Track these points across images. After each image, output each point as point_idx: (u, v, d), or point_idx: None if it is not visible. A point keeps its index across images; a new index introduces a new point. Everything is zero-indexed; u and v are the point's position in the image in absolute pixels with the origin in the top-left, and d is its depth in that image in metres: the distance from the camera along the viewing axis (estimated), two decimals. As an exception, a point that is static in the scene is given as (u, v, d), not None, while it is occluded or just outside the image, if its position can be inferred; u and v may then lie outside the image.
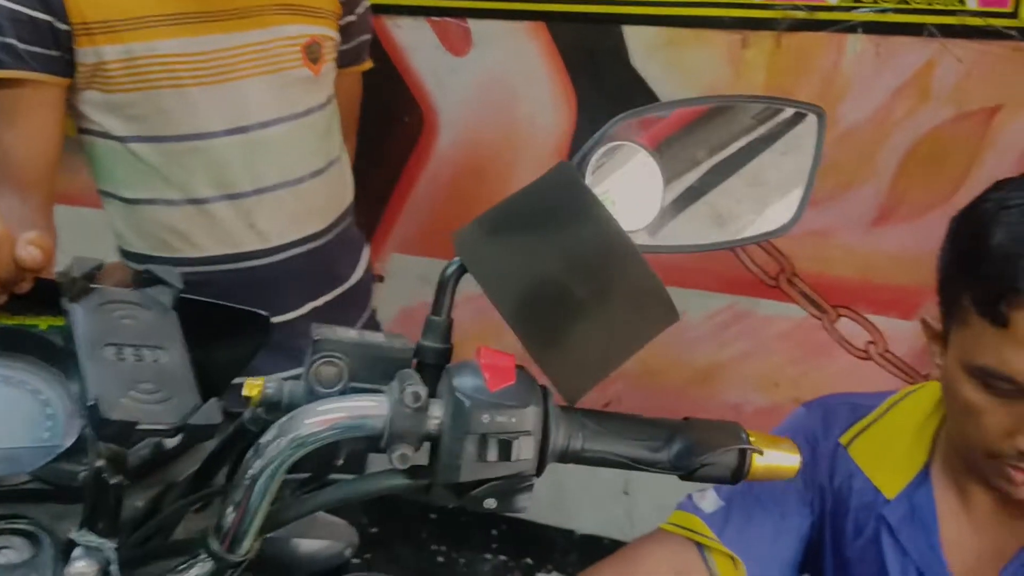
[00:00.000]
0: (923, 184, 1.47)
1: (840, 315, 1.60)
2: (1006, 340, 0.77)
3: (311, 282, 1.30)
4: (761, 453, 0.65)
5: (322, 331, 0.60)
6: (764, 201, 0.69)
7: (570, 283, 0.58)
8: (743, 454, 0.66)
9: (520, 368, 0.60)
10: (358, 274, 1.38)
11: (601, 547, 1.97)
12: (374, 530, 2.15)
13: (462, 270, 0.60)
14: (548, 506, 1.96)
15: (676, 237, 0.68)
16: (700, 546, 0.98)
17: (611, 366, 0.62)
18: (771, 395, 1.69)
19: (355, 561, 0.83)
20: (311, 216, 1.28)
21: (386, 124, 1.72)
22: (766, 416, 1.69)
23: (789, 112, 0.69)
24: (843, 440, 0.98)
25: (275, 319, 1.27)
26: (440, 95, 1.70)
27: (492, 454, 0.55)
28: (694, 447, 0.64)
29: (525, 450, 0.58)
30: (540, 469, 0.60)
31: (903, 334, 1.57)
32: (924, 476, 0.95)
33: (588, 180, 0.65)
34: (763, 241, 0.70)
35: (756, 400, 1.70)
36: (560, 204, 0.59)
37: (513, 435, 0.55)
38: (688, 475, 0.66)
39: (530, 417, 0.57)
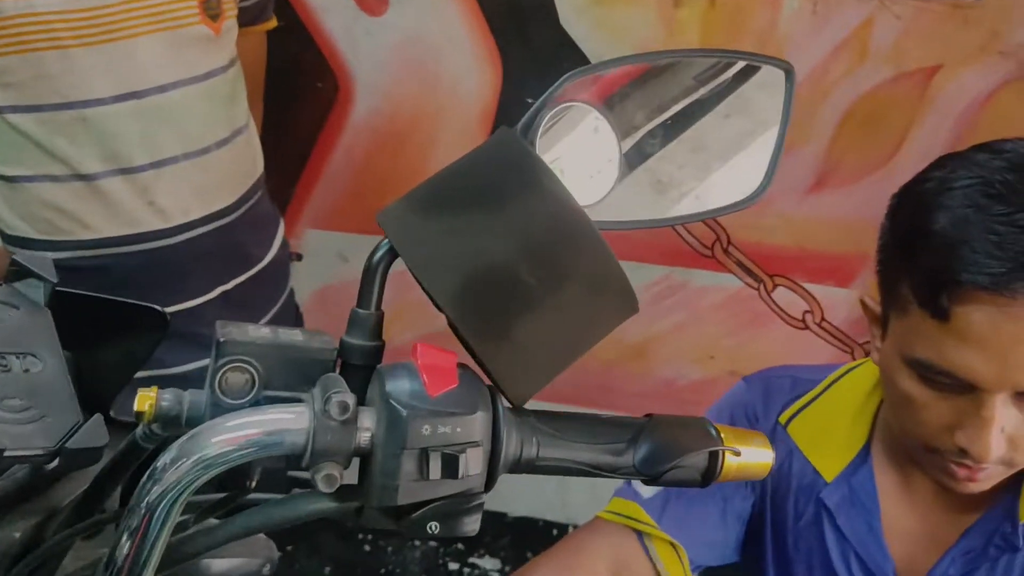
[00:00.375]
0: (861, 147, 1.44)
1: (776, 284, 1.57)
2: (947, 334, 0.72)
3: (220, 263, 1.21)
4: (738, 454, 0.59)
5: (228, 331, 0.50)
6: (731, 168, 0.62)
7: (518, 268, 0.50)
8: (715, 455, 0.60)
9: (463, 368, 0.52)
10: (272, 253, 1.29)
11: (535, 529, 1.93)
12: (296, 519, 2.07)
13: (392, 254, 0.52)
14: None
15: (635, 211, 0.61)
16: (640, 534, 0.95)
17: (564, 362, 0.55)
18: (707, 368, 1.66)
19: (270, 577, 0.75)
20: (217, 191, 1.18)
21: (297, 90, 1.62)
22: (701, 390, 1.66)
23: (755, 68, 0.63)
24: (782, 419, 0.95)
25: (181, 305, 1.19)
26: (355, 58, 1.60)
27: (434, 471, 0.48)
28: (661, 449, 0.58)
29: (473, 464, 0.50)
30: (490, 484, 0.53)
31: (840, 303, 1.55)
32: (864, 458, 0.92)
33: (536, 147, 0.57)
34: (731, 212, 0.63)
35: (691, 373, 1.67)
36: (504, 176, 0.52)
37: (459, 447, 0.48)
38: (655, 480, 0.60)
39: (478, 425, 0.49)
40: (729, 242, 1.55)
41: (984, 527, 0.87)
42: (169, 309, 0.72)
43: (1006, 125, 1.38)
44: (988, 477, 0.79)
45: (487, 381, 0.53)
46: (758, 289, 1.57)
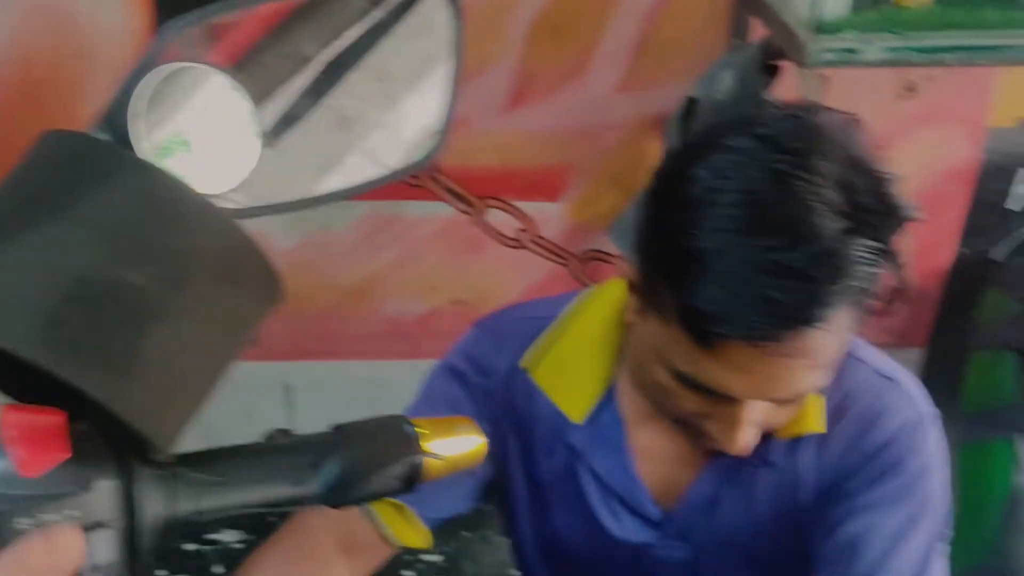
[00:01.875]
0: (553, 57, 1.41)
1: (488, 206, 1.53)
2: (708, 358, 0.71)
3: None
4: (441, 459, 0.52)
5: None
6: (398, 124, 0.53)
7: (117, 271, 0.39)
8: (415, 463, 0.52)
9: (77, 426, 0.40)
10: None
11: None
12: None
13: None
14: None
15: (289, 190, 0.51)
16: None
17: (210, 379, 0.44)
18: (430, 300, 1.61)
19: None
20: None
21: None
22: (428, 323, 1.61)
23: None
24: (524, 364, 0.92)
25: None
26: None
27: (46, 575, 0.37)
28: (351, 470, 0.49)
29: (101, 552, 0.39)
30: (139, 567, 0.42)
31: (552, 217, 1.55)
32: (609, 395, 0.91)
33: (141, 125, 0.45)
34: (405, 176, 0.55)
35: (416, 308, 1.62)
36: (78, 177, 0.40)
37: (78, 537, 0.37)
38: (347, 502, 0.52)
39: (101, 501, 0.39)
40: (436, 168, 1.48)
41: None
42: None
43: (688, 20, 1.39)
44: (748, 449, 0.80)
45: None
46: (470, 213, 1.53)
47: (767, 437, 0.86)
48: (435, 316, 1.60)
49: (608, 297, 0.92)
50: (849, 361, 0.88)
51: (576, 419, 0.90)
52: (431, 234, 1.55)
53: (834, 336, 0.70)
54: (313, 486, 0.49)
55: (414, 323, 1.61)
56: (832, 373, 0.79)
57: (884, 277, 0.72)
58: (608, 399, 0.91)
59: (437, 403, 0.94)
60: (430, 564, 1.99)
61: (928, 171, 1.52)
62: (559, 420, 0.92)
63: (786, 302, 0.66)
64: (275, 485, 0.48)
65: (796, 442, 0.88)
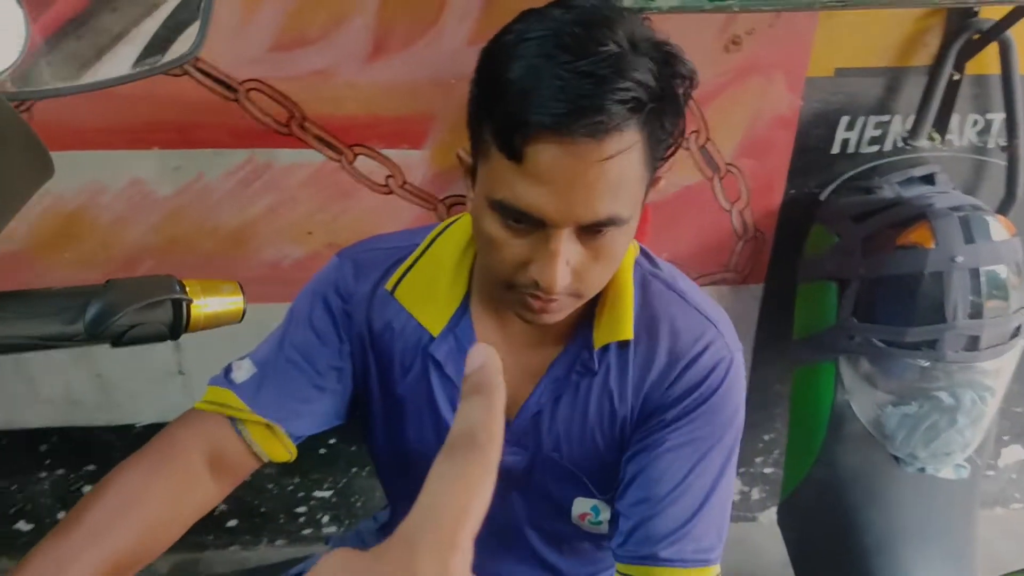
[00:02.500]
0: (408, 11, 1.49)
1: (356, 154, 1.60)
2: (520, 175, 0.78)
3: None
4: (190, 301, 0.62)
5: None
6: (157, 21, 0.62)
7: None
8: (177, 305, 0.62)
9: None
10: None
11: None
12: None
13: None
14: (94, 408, 1.83)
15: (58, 76, 0.60)
16: (233, 419, 0.95)
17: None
18: (307, 245, 1.68)
19: None
20: None
21: None
22: (306, 266, 1.68)
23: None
24: (388, 286, 0.99)
25: None
26: None
27: None
28: (115, 308, 0.60)
29: None
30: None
31: (417, 164, 1.62)
32: (464, 309, 0.98)
33: None
34: (168, 69, 0.63)
35: (293, 253, 1.69)
36: None
37: None
38: (118, 341, 0.61)
39: None
40: (304, 118, 1.56)
41: (567, 356, 0.97)
42: None
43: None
44: (560, 308, 0.86)
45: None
46: (340, 161, 1.60)
47: (588, 349, 0.95)
48: (312, 259, 1.68)
49: (462, 225, 1.00)
50: (661, 287, 0.98)
51: (435, 332, 0.97)
52: (304, 180, 1.61)
53: (626, 160, 0.77)
54: (79, 325, 0.59)
55: (292, 267, 1.68)
56: (629, 239, 0.86)
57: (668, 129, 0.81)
58: (463, 314, 0.98)
59: (301, 324, 1.00)
60: (321, 500, 2.06)
61: (754, 119, 1.65)
62: (417, 336, 0.99)
63: (578, 89, 0.74)
64: (47, 321, 0.58)
65: (615, 354, 0.96)
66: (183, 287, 0.63)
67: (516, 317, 0.91)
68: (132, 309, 0.58)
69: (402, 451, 1.05)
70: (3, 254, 1.62)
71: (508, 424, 0.99)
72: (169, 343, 1.78)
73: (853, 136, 1.68)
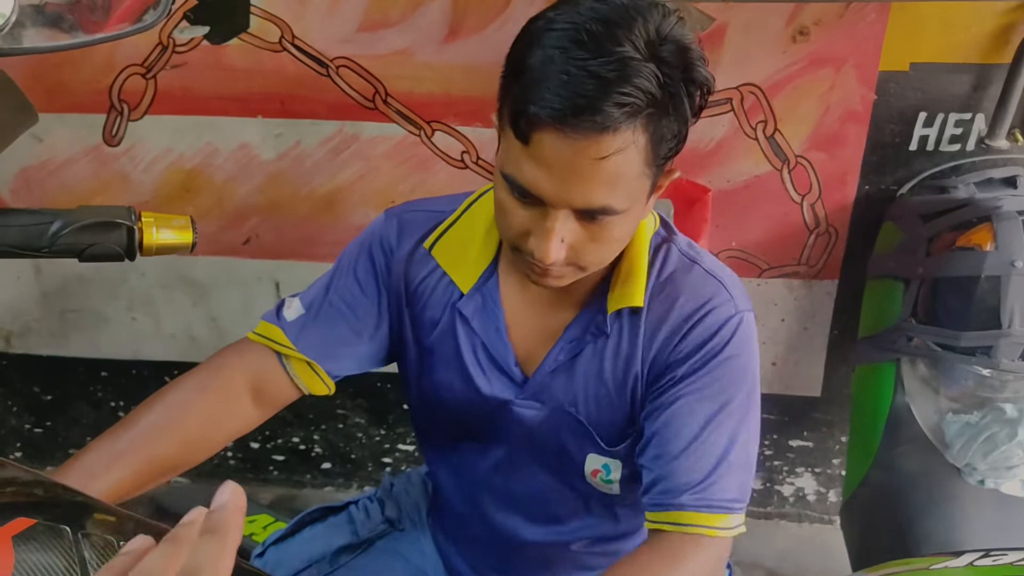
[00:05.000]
0: (480, -4, 1.57)
1: (434, 130, 1.71)
2: (526, 155, 0.83)
3: None
4: (138, 229, 0.74)
5: None
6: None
7: None
8: (130, 232, 0.75)
9: None
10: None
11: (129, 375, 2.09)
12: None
13: None
14: (210, 348, 2.03)
15: (49, 36, 0.71)
16: (279, 354, 1.06)
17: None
18: (390, 211, 1.79)
19: None
20: None
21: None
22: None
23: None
24: (427, 244, 1.07)
25: None
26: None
27: None
28: (76, 229, 0.73)
29: None
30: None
31: (490, 142, 1.67)
32: (492, 269, 1.05)
33: None
34: (136, 34, 0.74)
35: None
36: None
37: None
38: (80, 256, 0.74)
39: None
40: (387, 94, 1.68)
41: (582, 319, 1.03)
42: None
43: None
44: (561, 276, 0.92)
45: None
46: (419, 135, 1.72)
47: (603, 313, 1.00)
48: (393, 226, 1.80)
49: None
50: (676, 254, 1.03)
51: (464, 289, 1.05)
52: (387, 152, 1.73)
53: (623, 158, 0.82)
54: (46, 239, 0.72)
55: (378, 232, 1.81)
56: (633, 225, 0.91)
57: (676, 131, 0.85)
58: (491, 274, 1.04)
59: (347, 272, 1.09)
60: (406, 453, 2.19)
61: (825, 111, 1.62)
62: (449, 292, 1.06)
63: (581, 88, 0.78)
64: (17, 235, 0.71)
65: (627, 318, 1.01)
66: (137, 216, 0.74)
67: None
68: (84, 225, 0.70)
69: (432, 399, 1.13)
70: (135, 205, 1.84)
71: (527, 378, 1.05)
72: (273, 295, 1.98)
73: (932, 133, 1.62)
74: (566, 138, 0.80)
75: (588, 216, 0.86)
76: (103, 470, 0.92)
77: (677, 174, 0.93)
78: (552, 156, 0.82)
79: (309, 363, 1.06)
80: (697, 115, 0.87)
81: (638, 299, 0.99)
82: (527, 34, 0.85)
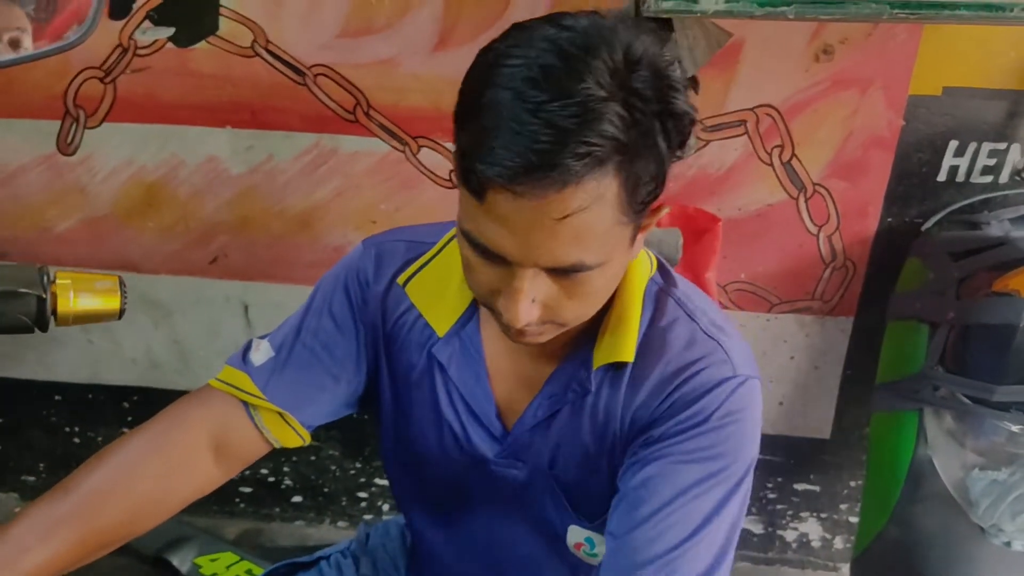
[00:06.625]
0: (474, 2, 1.46)
1: (420, 146, 1.59)
2: (482, 212, 0.75)
3: None
4: (47, 297, 0.61)
5: None
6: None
7: None
8: (40, 301, 0.61)
9: None
10: None
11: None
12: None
13: None
14: (173, 372, 1.92)
15: None
16: (246, 404, 0.96)
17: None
18: (370, 233, 1.67)
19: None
20: None
21: None
22: (370, 254, 1.68)
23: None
24: (400, 280, 0.98)
25: None
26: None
27: None
28: None
29: None
30: None
31: None
32: (472, 312, 0.97)
33: None
34: (62, 52, 0.62)
35: (356, 239, 1.66)
36: None
37: None
38: None
39: None
40: (370, 106, 1.56)
41: (564, 373, 0.94)
42: None
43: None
44: (539, 334, 0.84)
45: None
46: (404, 152, 1.60)
47: (587, 368, 0.92)
48: (375, 248, 1.68)
49: None
50: (672, 305, 0.93)
51: (441, 332, 0.96)
52: (369, 169, 1.62)
53: (590, 212, 0.72)
54: None
55: (357, 254, 1.69)
56: (616, 274, 0.83)
57: (654, 172, 0.75)
58: (470, 317, 0.97)
59: (321, 310, 1.00)
60: (382, 488, 2.07)
61: (847, 137, 1.51)
62: (426, 334, 0.98)
63: (534, 142, 0.69)
64: None
65: (611, 373, 0.92)
66: (50, 279, 0.61)
67: None
68: None
69: (406, 450, 1.04)
70: (92, 219, 1.72)
71: (507, 433, 0.97)
72: (242, 318, 1.86)
73: (963, 163, 1.51)
74: (521, 197, 0.71)
75: (560, 273, 0.77)
76: (37, 542, 0.85)
77: (665, 211, 0.84)
78: (510, 215, 0.73)
79: (280, 413, 0.97)
80: (681, 147, 0.77)
81: (627, 353, 0.90)
82: (476, 69, 0.75)
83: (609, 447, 0.93)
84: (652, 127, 0.73)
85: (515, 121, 0.69)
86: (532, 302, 0.78)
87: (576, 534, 0.99)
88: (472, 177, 0.73)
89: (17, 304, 0.59)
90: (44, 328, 0.60)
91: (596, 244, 0.76)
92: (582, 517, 0.98)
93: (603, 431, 0.93)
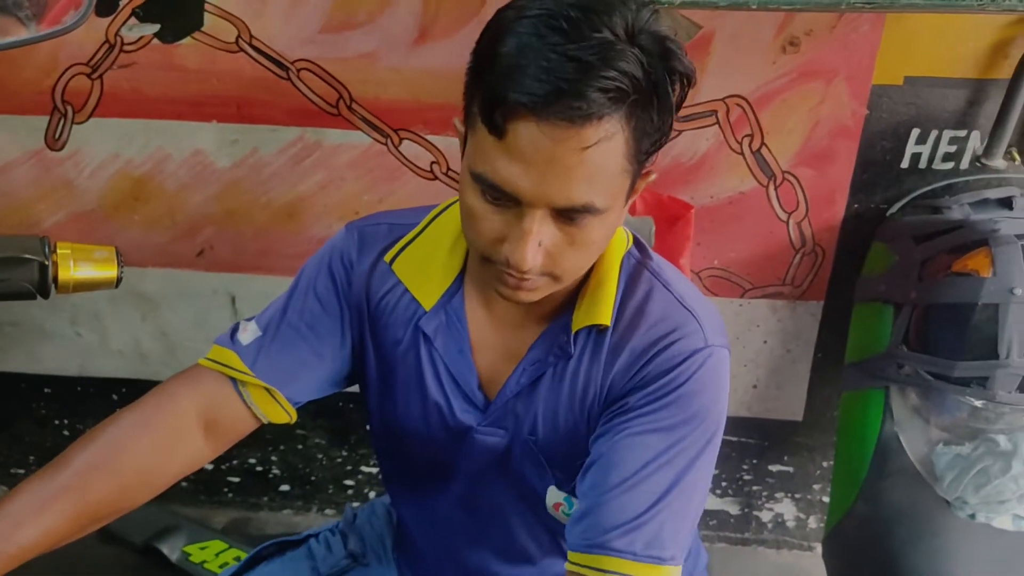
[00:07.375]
0: (452, -1, 1.48)
1: (402, 138, 1.62)
2: (500, 150, 0.79)
3: None
4: (53, 263, 0.64)
5: None
6: None
7: None
8: (42, 267, 0.65)
9: None
10: None
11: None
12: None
13: None
14: (160, 363, 1.94)
15: None
16: (234, 381, 1.00)
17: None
18: (354, 224, 1.70)
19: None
20: None
21: None
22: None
23: None
24: (387, 258, 1.01)
25: None
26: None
27: None
28: None
29: None
30: None
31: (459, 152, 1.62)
32: (457, 286, 1.00)
33: None
34: (58, 36, 0.65)
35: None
36: None
37: None
38: None
39: None
40: (352, 99, 1.59)
41: (546, 339, 0.97)
42: None
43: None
44: (535, 287, 0.87)
45: None
46: (386, 144, 1.63)
47: (567, 332, 0.95)
48: (358, 239, 1.71)
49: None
50: (648, 276, 0.97)
51: (427, 306, 1.00)
52: (352, 161, 1.64)
53: (606, 150, 0.78)
54: None
55: (341, 245, 1.72)
56: (612, 228, 0.87)
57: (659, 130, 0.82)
58: (455, 291, 1.00)
59: (306, 290, 1.03)
60: (368, 476, 2.10)
61: (814, 126, 1.56)
62: (411, 309, 1.01)
63: (562, 72, 0.74)
64: None
65: (591, 341, 0.95)
66: (51, 249, 0.65)
67: (501, 299, 0.91)
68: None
69: (392, 426, 1.07)
70: (80, 213, 1.74)
71: (489, 403, 1.00)
72: (229, 309, 1.88)
73: (925, 151, 1.55)
74: (547, 127, 0.76)
75: (567, 217, 0.82)
76: (30, 517, 0.87)
77: (654, 176, 0.89)
78: (530, 148, 0.77)
79: (268, 389, 1.00)
80: (678, 109, 0.84)
81: (605, 317, 0.94)
82: (497, 24, 0.81)
83: (587, 412, 0.97)
84: (662, 77, 0.79)
85: (542, 57, 0.75)
86: (539, 245, 0.82)
87: (554, 495, 1.03)
88: (496, 111, 0.77)
89: (21, 270, 0.63)
90: (46, 295, 0.64)
91: (604, 186, 0.80)
92: (561, 479, 1.01)
93: (583, 396, 0.97)
